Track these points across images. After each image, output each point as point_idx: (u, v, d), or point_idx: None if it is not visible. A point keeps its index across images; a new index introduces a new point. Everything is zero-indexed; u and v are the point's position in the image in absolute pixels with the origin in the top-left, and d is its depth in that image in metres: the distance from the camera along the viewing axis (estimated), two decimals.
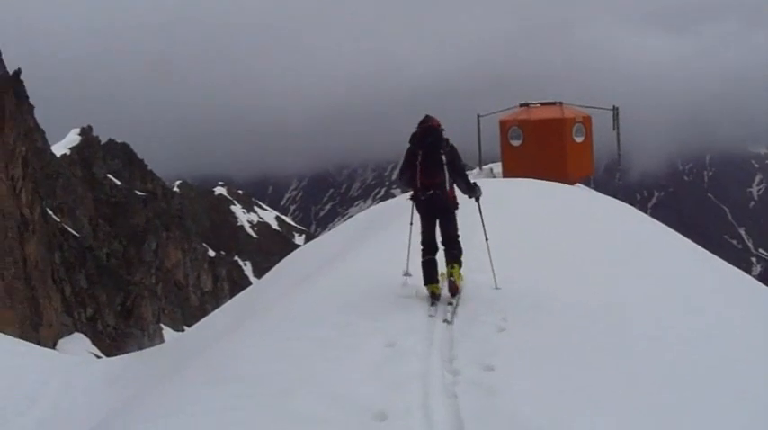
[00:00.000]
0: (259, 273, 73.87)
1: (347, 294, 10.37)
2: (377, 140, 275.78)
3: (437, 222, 10.30)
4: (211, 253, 79.11)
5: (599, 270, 11.75)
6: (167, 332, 51.23)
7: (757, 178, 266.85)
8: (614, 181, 34.30)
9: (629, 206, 21.42)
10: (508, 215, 14.44)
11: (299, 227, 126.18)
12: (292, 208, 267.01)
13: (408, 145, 10.32)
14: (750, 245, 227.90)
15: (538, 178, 22.49)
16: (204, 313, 51.37)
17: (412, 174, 10.22)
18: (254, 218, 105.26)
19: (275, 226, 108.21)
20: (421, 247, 10.30)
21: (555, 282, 10.64)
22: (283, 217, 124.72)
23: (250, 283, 66.26)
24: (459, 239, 10.33)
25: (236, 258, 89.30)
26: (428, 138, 10.16)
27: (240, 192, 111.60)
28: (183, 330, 51.77)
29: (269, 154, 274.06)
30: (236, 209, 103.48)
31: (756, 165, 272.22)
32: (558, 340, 8.29)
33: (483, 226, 11.02)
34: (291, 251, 26.85)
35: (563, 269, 11.48)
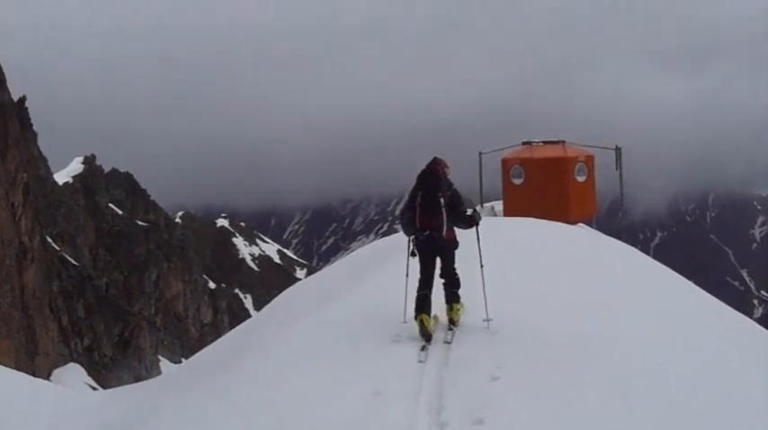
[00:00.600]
0: (260, 306, 73.32)
1: (337, 337, 10.15)
2: (381, 176, 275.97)
3: (435, 261, 10.46)
4: (212, 285, 78.80)
5: (597, 305, 11.70)
6: (165, 364, 50.92)
7: (760, 220, 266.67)
8: (617, 221, 34.08)
9: (630, 246, 21.26)
10: (506, 251, 14.17)
11: (300, 260, 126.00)
12: (294, 241, 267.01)
13: (414, 183, 10.56)
14: (752, 286, 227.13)
15: (539, 217, 22.17)
16: (203, 345, 50.97)
17: (412, 214, 10.44)
18: (256, 251, 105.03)
19: (277, 259, 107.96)
20: (417, 284, 10.37)
21: (551, 315, 10.58)
22: (285, 250, 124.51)
23: (250, 316, 66.03)
24: (457, 274, 10.51)
25: (236, 291, 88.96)
26: (428, 180, 10.42)
27: (243, 224, 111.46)
28: (180, 362, 51.45)
29: (272, 186, 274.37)
30: (238, 241, 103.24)
31: (759, 207, 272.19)
32: (554, 383, 8.04)
33: (479, 252, 11.01)
34: (292, 285, 26.67)
35: (559, 302, 11.43)
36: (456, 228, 10.64)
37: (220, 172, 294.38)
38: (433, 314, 10.28)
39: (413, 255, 10.58)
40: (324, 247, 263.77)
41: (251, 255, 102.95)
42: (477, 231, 10.96)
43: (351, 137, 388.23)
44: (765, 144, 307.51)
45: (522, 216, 23.00)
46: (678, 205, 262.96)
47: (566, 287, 12.71)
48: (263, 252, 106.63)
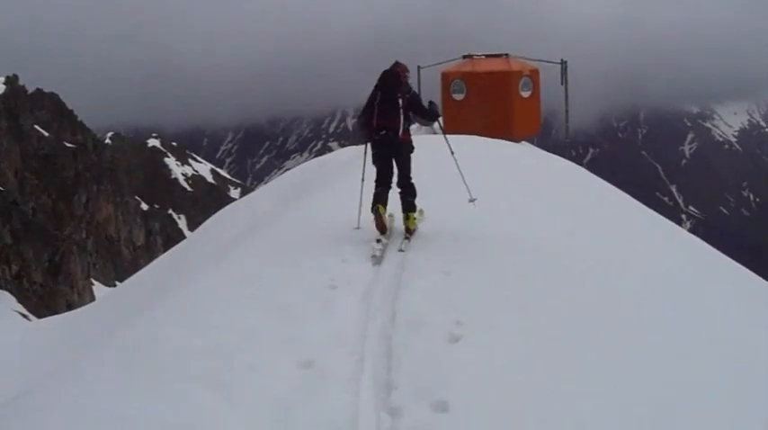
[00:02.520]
0: (194, 226, 72.59)
1: (258, 282, 9.18)
2: (313, 93, 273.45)
3: (391, 165, 10.80)
4: (144, 206, 77.67)
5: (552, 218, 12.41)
6: (98, 288, 50.17)
7: (689, 136, 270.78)
8: (555, 137, 33.75)
9: (576, 165, 21.00)
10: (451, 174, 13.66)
11: (234, 180, 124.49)
12: (228, 160, 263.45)
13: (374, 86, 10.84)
14: (681, 202, 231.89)
15: (482, 135, 21.44)
16: (137, 268, 50.22)
17: (369, 115, 10.70)
18: (189, 170, 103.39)
19: (210, 179, 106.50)
20: (374, 182, 10.84)
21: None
22: (218, 170, 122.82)
23: (184, 237, 65.29)
24: (413, 182, 10.78)
25: (170, 212, 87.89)
26: (388, 80, 10.72)
27: (174, 144, 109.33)
28: (114, 285, 50.78)
29: (204, 106, 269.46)
30: (170, 161, 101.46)
31: (689, 124, 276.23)
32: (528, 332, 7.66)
33: (447, 141, 11.70)
34: (227, 204, 26.06)
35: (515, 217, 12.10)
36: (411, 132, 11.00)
37: (150, 92, 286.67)
38: (389, 212, 10.75)
39: (373, 161, 10.93)
40: (258, 166, 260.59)
41: (183, 175, 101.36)
42: (440, 122, 11.69)
43: (279, 54, 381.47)
44: (695, 62, 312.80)
45: (464, 133, 21.51)
46: (610, 122, 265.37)
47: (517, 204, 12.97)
48: (196, 172, 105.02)
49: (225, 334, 7.29)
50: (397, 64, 11.03)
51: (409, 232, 10.50)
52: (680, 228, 17.78)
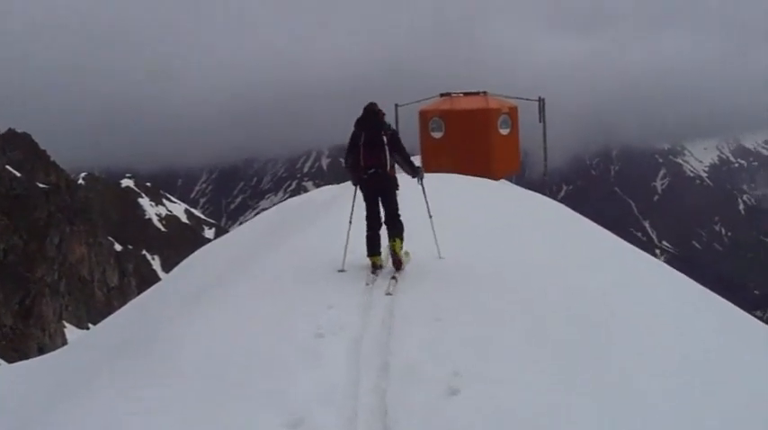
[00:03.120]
0: (168, 267, 72.03)
1: (239, 331, 8.81)
2: (288, 134, 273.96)
3: (379, 202, 11.12)
4: (118, 247, 76.89)
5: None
6: (71, 331, 49.34)
7: (661, 172, 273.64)
8: (539, 176, 33.63)
9: (558, 203, 20.83)
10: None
11: (208, 220, 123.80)
12: (202, 200, 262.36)
13: (353, 129, 11.20)
14: (654, 237, 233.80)
15: (461, 173, 21.16)
16: (111, 310, 49.48)
17: (356, 155, 11.06)
18: (163, 211, 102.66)
19: (184, 219, 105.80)
20: (365, 223, 11.14)
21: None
22: (193, 210, 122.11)
23: (158, 278, 64.61)
24: (401, 217, 11.10)
25: (144, 252, 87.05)
26: (369, 120, 11.06)
27: (148, 184, 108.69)
28: (87, 328, 50.04)
29: (178, 146, 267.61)
30: (144, 202, 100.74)
31: (660, 160, 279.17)
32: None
33: (427, 204, 11.81)
34: (201, 244, 25.60)
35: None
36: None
37: (124, 132, 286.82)
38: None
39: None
40: (232, 206, 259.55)
41: (158, 215, 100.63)
42: (422, 184, 11.83)
43: (256, 97, 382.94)
44: (663, 100, 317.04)
45: (443, 172, 21.29)
46: (583, 160, 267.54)
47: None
48: (170, 212, 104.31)
49: (206, 388, 6.93)
50: (373, 104, 11.28)
51: (397, 265, 10.82)
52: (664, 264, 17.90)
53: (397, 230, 10.99)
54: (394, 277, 10.42)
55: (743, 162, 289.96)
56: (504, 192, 20.32)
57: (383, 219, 11.13)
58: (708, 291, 14.41)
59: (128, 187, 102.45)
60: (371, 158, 10.94)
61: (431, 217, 11.72)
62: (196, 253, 21.04)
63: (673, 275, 14.92)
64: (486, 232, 13.48)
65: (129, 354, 9.67)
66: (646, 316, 9.75)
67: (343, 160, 11.71)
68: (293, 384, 6.95)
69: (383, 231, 11.15)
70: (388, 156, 10.96)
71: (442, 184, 16.88)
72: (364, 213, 11.23)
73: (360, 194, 11.39)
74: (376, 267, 10.90)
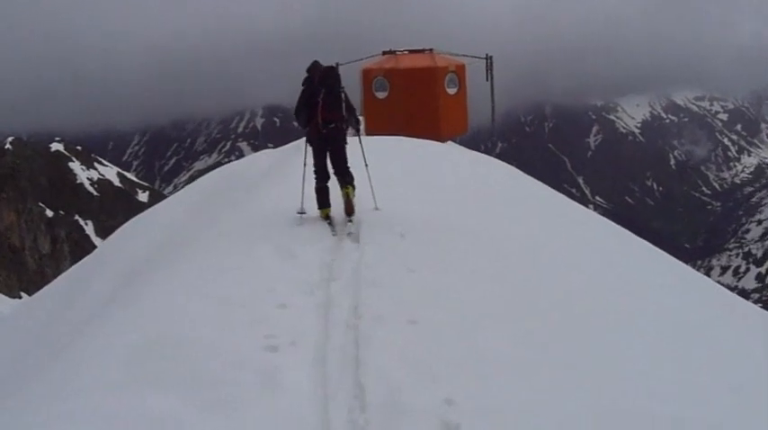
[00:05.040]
0: (101, 232, 70.81)
1: (168, 344, 7.11)
2: (221, 94, 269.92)
3: (328, 155, 11.71)
4: (49, 213, 75.12)
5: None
6: (2, 301, 48.16)
7: (594, 129, 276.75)
8: (491, 137, 33.08)
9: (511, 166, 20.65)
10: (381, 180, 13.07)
11: (142, 183, 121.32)
12: (135, 163, 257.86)
13: (303, 87, 11.67)
14: (588, 192, 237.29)
15: (406, 135, 20.54)
16: (43, 277, 48.53)
17: (312, 111, 11.49)
18: (95, 175, 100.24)
19: (117, 182, 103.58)
20: (314, 176, 11.75)
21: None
22: (126, 173, 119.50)
23: (92, 244, 63.52)
24: (350, 169, 11.81)
25: (76, 218, 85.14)
26: (330, 77, 11.59)
27: (79, 148, 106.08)
28: (20, 297, 49.02)
29: (108, 108, 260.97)
30: (75, 166, 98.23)
31: (593, 117, 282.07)
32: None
33: (363, 153, 12.41)
34: (136, 208, 24.92)
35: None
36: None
37: (52, 95, 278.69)
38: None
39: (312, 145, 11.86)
40: (166, 168, 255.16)
41: (89, 179, 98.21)
42: (359, 134, 12.65)
43: (184, 57, 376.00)
44: (597, 56, 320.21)
45: (387, 134, 21.00)
46: (517, 117, 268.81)
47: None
48: (103, 176, 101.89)
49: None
50: (318, 63, 11.92)
51: (350, 211, 11.53)
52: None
53: (348, 179, 11.69)
54: (350, 220, 11.33)
55: (674, 118, 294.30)
56: (450, 154, 19.85)
57: (332, 172, 11.76)
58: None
59: (57, 151, 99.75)
60: (331, 113, 11.49)
61: (367, 165, 12.32)
62: (127, 225, 19.92)
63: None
64: (431, 196, 13.36)
65: (30, 370, 8.77)
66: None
67: (295, 118, 11.98)
68: (245, 423, 5.70)
69: (332, 184, 11.78)
70: (345, 111, 11.62)
71: (384, 147, 16.52)
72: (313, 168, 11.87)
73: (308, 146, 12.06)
74: (328, 218, 11.52)
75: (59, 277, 20.83)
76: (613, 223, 16.46)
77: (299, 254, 9.74)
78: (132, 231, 18.17)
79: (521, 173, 19.61)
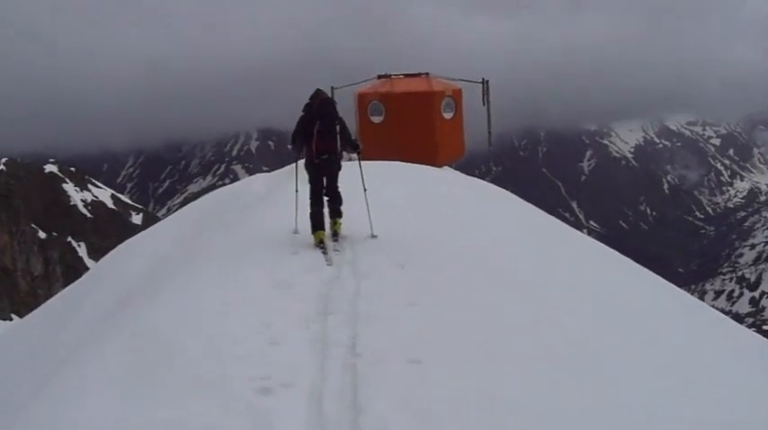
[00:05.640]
0: (94, 253, 70.49)
1: (152, 383, 6.85)
2: (216, 117, 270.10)
3: (323, 182, 11.94)
4: (42, 235, 74.81)
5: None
6: None
7: (588, 153, 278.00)
8: (486, 162, 32.83)
9: (504, 190, 20.45)
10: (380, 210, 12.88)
11: (136, 205, 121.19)
12: (129, 185, 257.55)
13: (302, 113, 11.87)
14: (582, 217, 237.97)
15: (402, 160, 20.27)
16: (35, 299, 48.13)
17: (307, 140, 11.72)
18: (89, 196, 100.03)
19: (111, 204, 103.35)
20: (309, 201, 11.98)
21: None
22: (119, 195, 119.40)
23: (85, 265, 63.11)
24: (340, 191, 12.02)
25: (69, 239, 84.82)
26: (326, 109, 11.77)
27: (73, 169, 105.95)
28: (11, 319, 48.58)
29: (103, 130, 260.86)
30: (69, 187, 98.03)
31: (587, 141, 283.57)
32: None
33: (362, 177, 12.51)
34: (129, 230, 24.67)
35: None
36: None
37: (47, 117, 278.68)
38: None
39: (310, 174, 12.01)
40: (160, 190, 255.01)
41: (83, 201, 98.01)
42: (359, 158, 12.75)
43: (180, 79, 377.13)
44: (589, 81, 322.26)
45: (383, 159, 20.22)
46: (511, 142, 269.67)
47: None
48: (96, 197, 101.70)
49: None
50: (321, 92, 12.18)
51: (336, 235, 11.80)
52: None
53: (338, 206, 11.95)
54: (336, 239, 11.66)
55: (667, 143, 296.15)
56: (447, 180, 19.50)
57: (324, 192, 11.97)
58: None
59: (51, 173, 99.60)
60: (325, 145, 11.66)
61: (365, 190, 12.43)
62: (118, 250, 19.53)
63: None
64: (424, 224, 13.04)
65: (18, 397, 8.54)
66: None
67: (290, 143, 12.20)
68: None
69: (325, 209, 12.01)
70: (339, 145, 11.79)
71: (380, 173, 16.27)
72: (308, 192, 12.08)
73: (301, 169, 12.31)
74: (321, 242, 11.56)
75: (50, 300, 20.57)
76: (612, 250, 16.30)
77: (294, 284, 9.43)
78: (124, 255, 17.78)
79: (518, 199, 19.42)
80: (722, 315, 14.83)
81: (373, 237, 11.86)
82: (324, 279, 9.73)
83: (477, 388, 6.67)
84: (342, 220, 11.88)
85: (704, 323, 11.43)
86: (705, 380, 7.64)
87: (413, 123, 25.26)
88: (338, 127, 11.78)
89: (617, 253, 15.99)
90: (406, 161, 20.39)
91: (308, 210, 11.95)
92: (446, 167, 24.59)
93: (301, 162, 12.39)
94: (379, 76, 26.92)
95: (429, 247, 11.14)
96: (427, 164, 21.32)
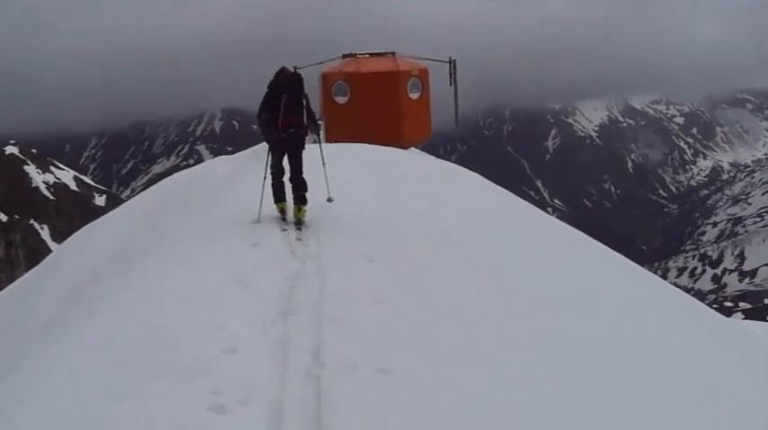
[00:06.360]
0: (58, 236, 69.80)
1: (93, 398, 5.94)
2: (179, 97, 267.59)
3: (285, 159, 12.05)
4: (3, 217, 73.93)
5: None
6: None
7: (552, 132, 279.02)
8: (453, 141, 32.65)
9: (472, 172, 20.32)
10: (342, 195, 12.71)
11: (99, 187, 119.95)
12: (92, 166, 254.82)
13: (267, 90, 11.94)
14: (546, 196, 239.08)
15: (368, 142, 19.87)
16: None
17: (273, 115, 11.76)
18: (51, 178, 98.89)
19: (74, 186, 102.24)
20: (271, 174, 12.19)
21: None
22: (82, 176, 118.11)
23: (48, 248, 62.41)
24: (304, 177, 11.92)
25: (31, 222, 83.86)
26: (293, 83, 11.85)
27: (34, 151, 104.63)
28: None
29: (65, 111, 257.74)
30: (31, 169, 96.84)
31: (552, 120, 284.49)
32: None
33: (321, 153, 12.65)
34: (92, 212, 24.30)
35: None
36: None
37: (6, 98, 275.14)
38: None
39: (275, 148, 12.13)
40: (124, 171, 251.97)
41: (45, 183, 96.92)
42: (320, 136, 12.90)
43: (142, 58, 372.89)
44: (555, 61, 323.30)
45: (348, 140, 20.16)
46: (476, 120, 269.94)
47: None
48: (59, 179, 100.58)
49: None
50: (286, 68, 12.30)
51: (300, 223, 11.65)
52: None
53: (302, 192, 11.83)
54: (299, 228, 11.43)
55: (631, 122, 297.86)
56: (413, 162, 19.21)
57: (289, 178, 12.00)
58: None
59: (12, 154, 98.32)
60: (291, 119, 11.75)
61: (324, 164, 12.53)
62: (79, 234, 19.11)
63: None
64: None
65: None
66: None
67: (257, 119, 12.18)
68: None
69: (287, 181, 12.08)
70: (305, 118, 11.90)
71: (344, 155, 16.08)
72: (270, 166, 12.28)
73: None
74: (283, 212, 12.00)
75: (13, 283, 20.18)
76: (578, 231, 16.34)
77: (252, 281, 8.62)
78: (83, 241, 17.37)
79: (486, 180, 19.36)
80: (686, 294, 14.96)
81: (329, 200, 12.12)
82: (286, 275, 8.95)
83: (451, 400, 6.22)
84: (306, 208, 11.74)
85: (669, 306, 11.50)
86: (673, 367, 7.67)
87: (378, 104, 25.01)
88: (304, 101, 11.91)
89: (582, 234, 16.04)
90: (372, 143, 20.01)
91: (270, 182, 12.19)
92: (412, 149, 24.44)
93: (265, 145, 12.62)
94: (344, 56, 26.62)
95: (396, 234, 10.90)
96: (393, 145, 20.99)
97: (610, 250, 14.89)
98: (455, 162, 24.51)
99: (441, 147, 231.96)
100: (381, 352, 6.85)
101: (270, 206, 12.00)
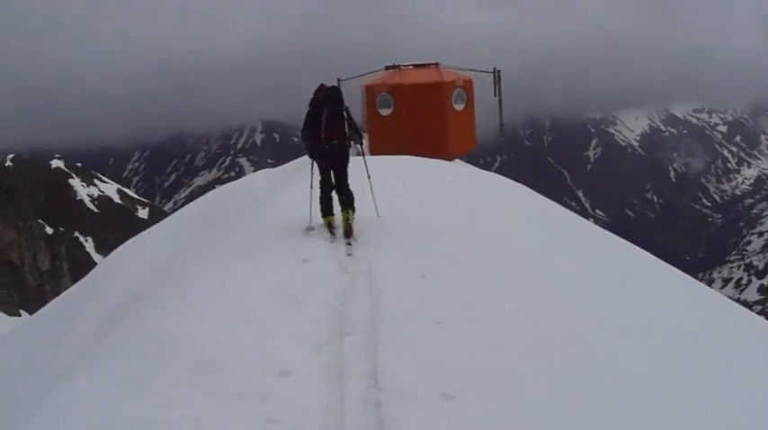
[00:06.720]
0: (101, 248, 70.50)
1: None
2: (221, 110, 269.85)
3: (331, 173, 12.23)
4: (49, 230, 74.81)
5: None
6: (2, 319, 47.78)
7: (593, 142, 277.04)
8: (500, 155, 32.56)
9: (519, 184, 20.18)
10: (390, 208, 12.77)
11: (142, 199, 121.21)
12: (135, 179, 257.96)
13: (309, 108, 12.18)
14: (588, 206, 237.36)
15: (413, 154, 19.62)
16: (43, 295, 48.11)
17: (316, 129, 12.00)
18: (95, 191, 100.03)
19: (117, 199, 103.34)
20: (319, 189, 12.36)
21: None
22: (126, 189, 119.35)
23: (92, 260, 63.06)
24: (350, 189, 12.16)
25: (76, 235, 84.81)
26: (334, 97, 12.14)
27: (79, 164, 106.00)
28: (19, 315, 48.63)
29: (108, 125, 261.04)
30: (75, 182, 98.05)
31: (592, 130, 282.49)
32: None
33: (366, 165, 12.86)
34: (135, 225, 24.49)
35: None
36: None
37: (52, 112, 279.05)
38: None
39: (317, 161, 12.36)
40: (166, 184, 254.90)
41: (89, 196, 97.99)
42: (363, 148, 13.16)
43: (183, 72, 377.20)
44: (594, 69, 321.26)
45: (392, 153, 19.92)
46: (516, 131, 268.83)
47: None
48: (103, 192, 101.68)
49: None
50: (323, 86, 12.40)
51: (349, 233, 11.76)
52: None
53: (349, 201, 12.09)
54: (349, 243, 11.45)
55: (673, 130, 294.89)
56: (460, 174, 18.91)
57: (335, 190, 12.26)
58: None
59: (58, 168, 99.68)
60: (332, 131, 12.01)
61: (369, 177, 12.79)
62: (125, 246, 19.11)
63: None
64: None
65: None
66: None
67: (301, 136, 12.44)
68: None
69: (334, 195, 12.32)
70: (347, 130, 12.16)
71: (389, 168, 15.98)
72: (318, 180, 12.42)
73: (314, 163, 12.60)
74: (330, 226, 12.13)
75: (56, 299, 20.29)
76: (622, 239, 16.13)
77: (304, 299, 8.43)
78: (126, 256, 17.36)
79: (531, 191, 19.17)
80: (734, 302, 14.72)
81: (378, 217, 12.38)
82: (337, 291, 8.80)
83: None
84: (354, 214, 11.93)
85: (717, 314, 11.29)
86: (723, 376, 7.51)
87: (423, 115, 24.76)
88: (345, 113, 12.17)
89: (628, 242, 15.85)
90: (417, 155, 19.75)
91: (318, 196, 12.40)
92: (457, 160, 24.21)
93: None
94: (387, 67, 26.49)
95: (445, 247, 10.66)
96: (438, 157, 20.75)
97: (659, 260, 14.72)
98: (496, 173, 24.30)
99: (480, 158, 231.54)
100: (443, 375, 6.52)
101: (318, 215, 12.20)
